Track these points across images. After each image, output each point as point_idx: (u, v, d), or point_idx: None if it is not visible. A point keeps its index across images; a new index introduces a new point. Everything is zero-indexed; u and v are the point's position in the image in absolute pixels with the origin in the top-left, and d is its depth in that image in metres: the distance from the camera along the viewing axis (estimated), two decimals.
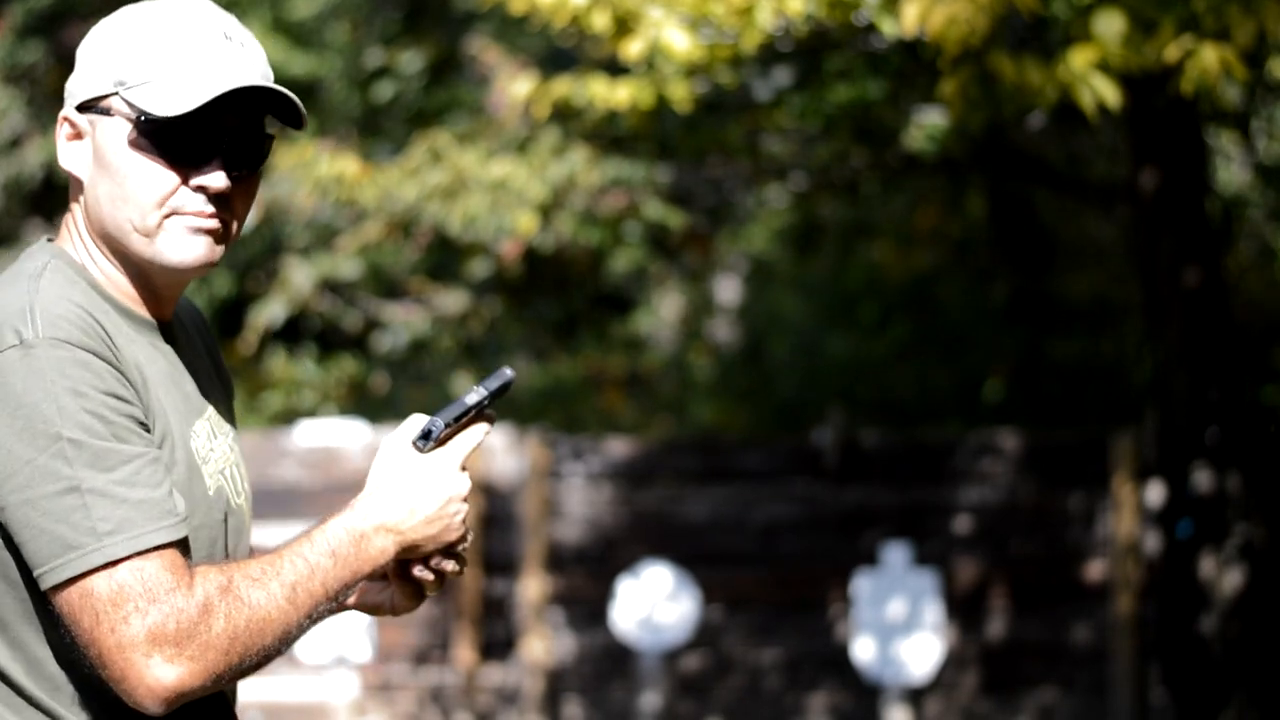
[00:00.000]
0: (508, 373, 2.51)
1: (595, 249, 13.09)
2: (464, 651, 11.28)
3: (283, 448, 11.50)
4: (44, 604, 2.31)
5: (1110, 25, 6.92)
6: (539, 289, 14.76)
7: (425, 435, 2.43)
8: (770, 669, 11.25)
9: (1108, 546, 10.98)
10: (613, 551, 11.15)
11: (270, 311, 13.95)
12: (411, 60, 14.93)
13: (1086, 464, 11.04)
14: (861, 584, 10.41)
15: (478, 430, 2.50)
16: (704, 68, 8.27)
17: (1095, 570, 11.02)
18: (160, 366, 2.45)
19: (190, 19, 2.44)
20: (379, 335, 16.09)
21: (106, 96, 2.42)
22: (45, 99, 16.96)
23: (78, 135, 2.44)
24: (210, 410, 2.55)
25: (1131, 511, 10.88)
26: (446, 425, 2.43)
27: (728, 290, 18.87)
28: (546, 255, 12.79)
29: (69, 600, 2.24)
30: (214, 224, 2.43)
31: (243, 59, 2.44)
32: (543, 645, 11.27)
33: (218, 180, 2.42)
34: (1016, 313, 14.92)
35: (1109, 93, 7.00)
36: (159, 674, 2.22)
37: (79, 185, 2.46)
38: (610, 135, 11.01)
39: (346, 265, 13.96)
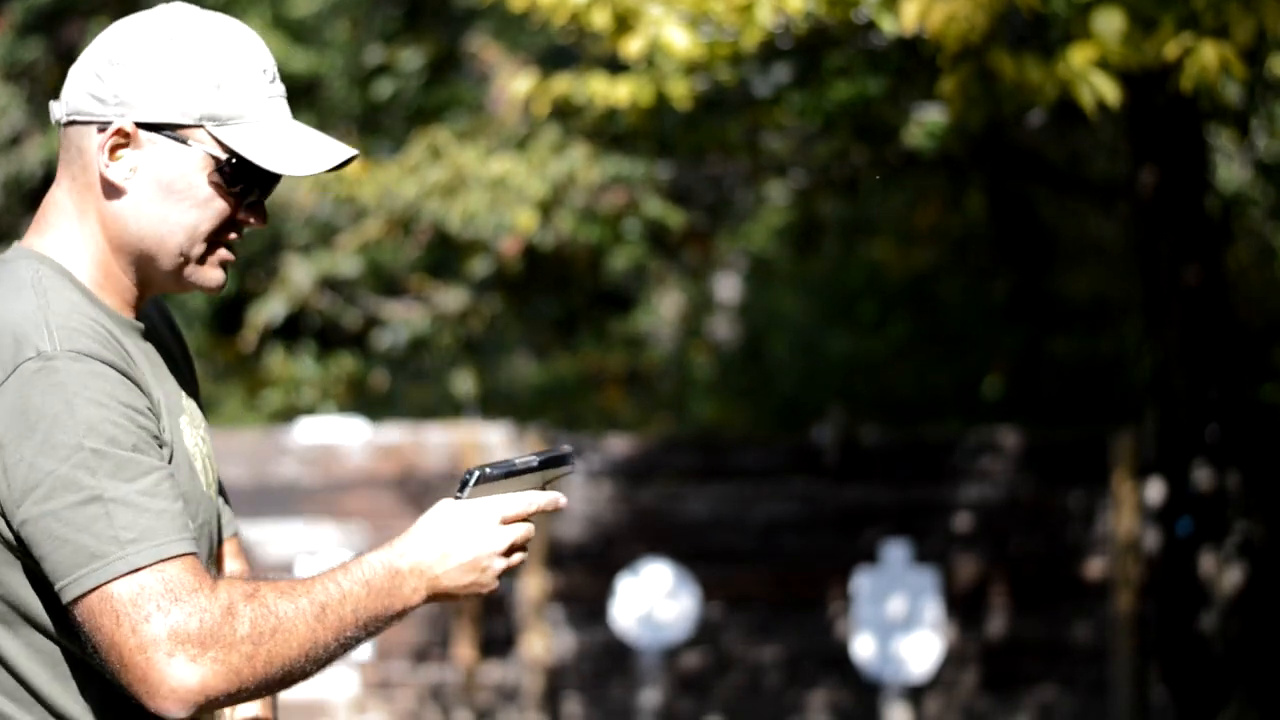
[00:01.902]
0: (565, 448, 2.55)
1: (595, 246, 13.08)
2: (463, 649, 11.28)
3: (282, 445, 11.50)
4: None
5: (1110, 23, 6.92)
6: (539, 286, 14.75)
7: (462, 484, 2.45)
8: (770, 667, 11.25)
9: (1107, 544, 10.98)
10: (612, 549, 11.15)
11: (270, 309, 13.94)
12: (411, 58, 14.93)
13: (1086, 462, 11.05)
14: (861, 582, 10.41)
15: (530, 496, 2.49)
16: (704, 65, 8.27)
17: (1095, 568, 11.02)
18: (147, 368, 2.47)
19: (242, 45, 2.47)
20: (379, 333, 16.10)
21: (186, 127, 2.42)
22: (45, 96, 16.96)
23: (124, 146, 2.42)
24: (189, 403, 2.57)
25: (1131, 509, 10.88)
26: (483, 477, 2.45)
27: (727, 288, 18.87)
28: (546, 253, 12.78)
29: (89, 607, 2.23)
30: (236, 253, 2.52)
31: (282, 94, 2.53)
32: (542, 642, 11.27)
33: (261, 218, 2.49)
34: (1016, 311, 14.92)
35: (1108, 90, 7.00)
36: (181, 674, 2.21)
37: (110, 194, 2.43)
38: (610, 133, 11.01)
39: (346, 263, 13.97)
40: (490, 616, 11.35)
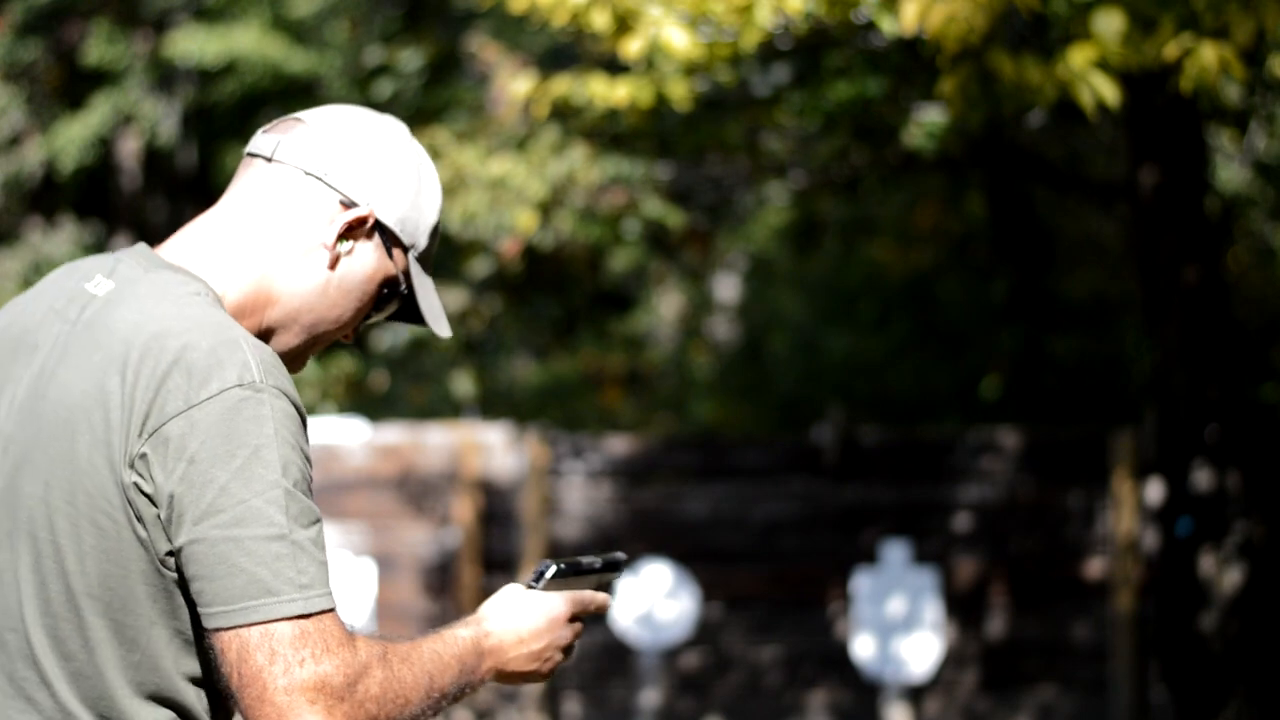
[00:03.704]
0: (620, 555, 2.68)
1: (594, 247, 13.10)
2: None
3: None
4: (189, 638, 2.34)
5: (1109, 23, 6.92)
6: (538, 287, 14.77)
7: (537, 576, 2.57)
8: (770, 666, 11.25)
9: (1107, 544, 10.99)
10: (612, 549, 11.15)
11: None
12: (411, 58, 14.93)
13: (1086, 461, 11.05)
14: (861, 581, 10.41)
15: (591, 595, 2.62)
16: (703, 66, 8.27)
17: (1095, 568, 11.02)
18: None
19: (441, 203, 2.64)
20: (378, 333, 16.10)
21: (402, 244, 2.55)
22: (45, 97, 16.96)
23: (355, 229, 2.51)
24: None
25: (1131, 509, 10.88)
26: (559, 572, 2.57)
27: (727, 288, 18.89)
28: (546, 253, 12.79)
29: (246, 639, 2.25)
30: None
31: None
32: None
33: (352, 337, 2.60)
34: (1016, 310, 14.92)
35: (1108, 91, 7.00)
36: None
37: (317, 259, 2.49)
38: (610, 133, 11.01)
39: None
40: None
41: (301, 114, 2.55)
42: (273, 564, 2.25)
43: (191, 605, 2.31)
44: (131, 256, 2.45)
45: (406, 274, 2.55)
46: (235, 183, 2.52)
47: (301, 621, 2.25)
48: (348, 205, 2.49)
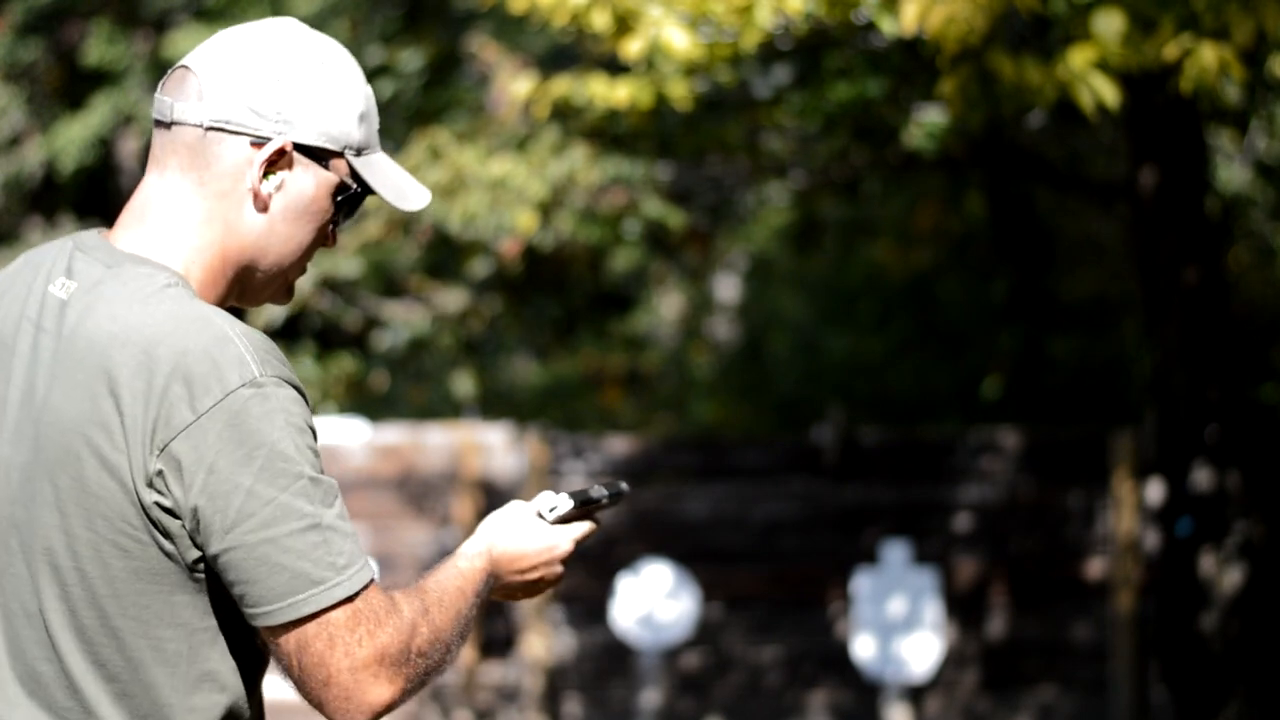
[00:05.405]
0: (623, 485, 2.74)
1: (595, 247, 13.09)
2: (463, 649, 11.28)
3: None
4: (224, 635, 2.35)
5: (1109, 24, 6.93)
6: (539, 287, 14.76)
7: (550, 509, 2.63)
8: (770, 667, 11.25)
9: (1107, 544, 10.99)
10: (612, 549, 11.16)
11: (270, 310, 13.96)
12: (411, 58, 14.93)
13: (1086, 461, 11.05)
14: (861, 582, 10.41)
15: (587, 525, 2.65)
16: (703, 66, 8.27)
17: (1095, 568, 11.02)
18: None
19: (361, 75, 2.51)
20: (379, 333, 16.10)
21: (332, 154, 2.45)
22: (45, 97, 16.96)
23: (277, 163, 2.42)
24: None
25: (1131, 509, 10.88)
26: (569, 510, 2.63)
27: (727, 288, 18.89)
28: (546, 253, 12.78)
29: (302, 632, 2.28)
30: None
31: None
32: (542, 643, 11.27)
33: (334, 240, 2.53)
34: (1016, 310, 14.92)
35: (1108, 92, 7.01)
36: (380, 692, 2.30)
37: (253, 207, 2.42)
38: (610, 133, 11.00)
39: (346, 263, 13.97)
40: (490, 617, 11.36)
41: (188, 58, 2.44)
42: (312, 554, 2.26)
43: (226, 601, 2.31)
44: (88, 251, 2.39)
45: (354, 174, 2.46)
46: (153, 154, 2.44)
47: (350, 604, 2.27)
48: (259, 143, 2.40)
